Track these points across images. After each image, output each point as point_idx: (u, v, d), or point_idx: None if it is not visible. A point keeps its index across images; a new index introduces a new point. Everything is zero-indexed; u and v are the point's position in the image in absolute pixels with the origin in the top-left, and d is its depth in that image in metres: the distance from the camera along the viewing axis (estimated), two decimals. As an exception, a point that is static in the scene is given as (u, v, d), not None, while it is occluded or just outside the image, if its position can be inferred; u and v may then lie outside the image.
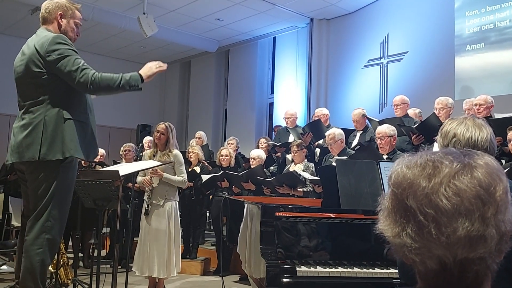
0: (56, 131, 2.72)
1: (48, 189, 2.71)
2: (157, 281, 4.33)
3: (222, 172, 5.67)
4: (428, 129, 4.56)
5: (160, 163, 4.05)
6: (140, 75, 2.93)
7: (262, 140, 6.85)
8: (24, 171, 2.83)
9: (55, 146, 2.71)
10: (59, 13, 2.90)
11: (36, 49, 2.75)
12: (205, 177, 5.76)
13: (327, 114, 6.46)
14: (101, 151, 6.96)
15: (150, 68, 3.01)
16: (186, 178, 4.33)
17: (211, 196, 6.29)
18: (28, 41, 2.87)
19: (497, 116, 4.49)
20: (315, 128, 5.98)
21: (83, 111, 2.86)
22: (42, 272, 2.72)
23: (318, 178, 4.85)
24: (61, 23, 2.92)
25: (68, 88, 2.79)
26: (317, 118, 6.33)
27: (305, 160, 5.46)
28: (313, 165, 5.44)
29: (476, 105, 4.86)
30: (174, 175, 4.31)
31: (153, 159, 4.29)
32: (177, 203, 4.39)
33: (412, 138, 4.76)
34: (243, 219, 2.92)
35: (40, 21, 2.95)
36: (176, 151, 4.37)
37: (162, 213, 4.23)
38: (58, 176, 2.74)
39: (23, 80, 2.81)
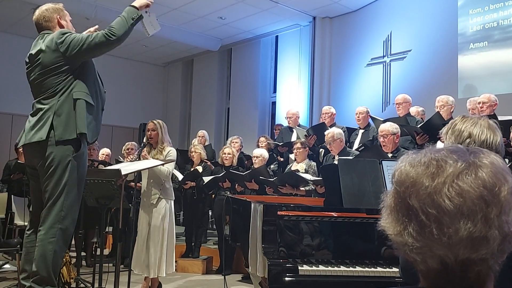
0: (69, 112, 2.87)
1: (61, 179, 2.82)
2: (149, 284, 4.33)
3: (223, 173, 5.66)
4: (432, 128, 4.55)
5: (162, 162, 4.05)
6: (133, 6, 3.13)
7: (262, 139, 6.83)
8: (36, 164, 2.91)
9: (69, 126, 2.85)
10: (57, 16, 3.09)
11: (47, 47, 2.91)
12: (206, 179, 5.76)
13: (334, 113, 6.44)
14: (107, 150, 6.98)
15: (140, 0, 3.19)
16: (170, 172, 4.32)
17: (213, 195, 6.29)
18: (35, 46, 3.01)
19: (500, 118, 4.47)
20: (320, 131, 5.94)
21: (92, 94, 3.00)
22: (55, 261, 2.80)
23: (320, 178, 4.84)
24: (62, 23, 3.11)
25: (79, 75, 2.95)
26: (323, 119, 6.31)
27: (307, 159, 5.45)
28: (315, 164, 5.43)
29: (479, 103, 4.84)
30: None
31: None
32: (172, 202, 4.39)
33: (417, 138, 4.75)
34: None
35: (39, 30, 3.10)
36: (170, 148, 4.38)
37: (155, 212, 4.23)
38: (70, 166, 2.85)
39: (39, 81, 2.94)
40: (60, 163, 2.83)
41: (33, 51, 2.99)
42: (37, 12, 3.10)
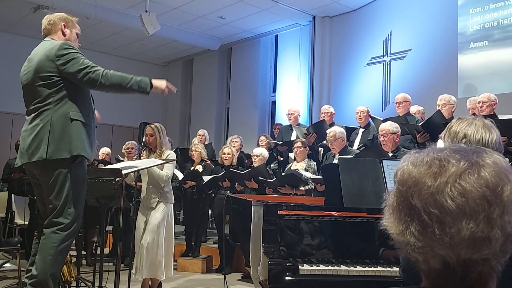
0: (63, 130, 2.84)
1: (62, 188, 2.83)
2: (149, 283, 4.31)
3: (223, 172, 5.66)
4: (432, 127, 4.55)
5: (162, 161, 4.04)
6: (151, 82, 3.05)
7: (262, 138, 6.84)
8: (37, 175, 2.93)
9: (62, 145, 2.82)
10: (62, 24, 3.08)
11: (45, 54, 2.88)
12: (206, 178, 5.76)
13: (333, 113, 6.44)
14: (107, 150, 6.97)
15: (162, 82, 3.14)
16: (169, 176, 4.27)
17: (213, 195, 6.29)
18: (34, 51, 3.00)
19: (501, 117, 4.47)
20: (319, 128, 5.95)
21: (87, 114, 2.98)
22: (55, 266, 2.80)
23: (320, 177, 4.84)
24: (65, 32, 3.09)
25: (75, 92, 2.92)
26: (322, 119, 6.31)
27: (307, 159, 5.45)
28: (315, 163, 5.43)
29: (479, 102, 4.84)
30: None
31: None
32: (172, 206, 4.34)
33: (417, 136, 4.75)
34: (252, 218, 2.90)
35: (43, 34, 3.09)
36: (169, 151, 4.34)
37: (153, 215, 4.19)
38: (70, 175, 2.85)
39: (31, 86, 2.91)
40: (60, 174, 2.83)
41: (32, 56, 2.98)
42: (46, 15, 3.11)
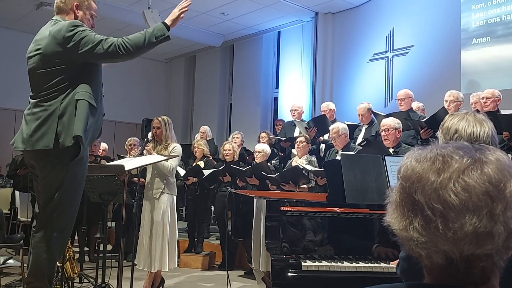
0: (71, 117, 2.65)
1: (58, 186, 2.66)
2: (152, 276, 4.34)
3: (223, 166, 5.67)
4: (437, 123, 4.52)
5: (165, 157, 4.05)
6: (165, 23, 2.88)
7: (263, 134, 6.85)
8: (35, 166, 2.75)
9: (70, 132, 2.63)
10: (75, 4, 2.84)
11: (53, 36, 2.68)
12: (206, 172, 5.78)
13: (333, 109, 6.45)
14: (104, 145, 6.98)
15: (173, 13, 2.94)
16: (174, 167, 4.31)
17: (215, 191, 6.31)
18: (42, 30, 2.81)
19: (504, 112, 4.45)
20: (320, 123, 5.97)
21: (96, 97, 2.80)
22: (49, 269, 2.71)
23: (321, 169, 4.86)
24: (78, 14, 2.85)
25: (84, 77, 2.73)
26: (322, 113, 6.32)
27: (308, 154, 5.48)
28: (316, 159, 5.45)
29: (483, 98, 4.83)
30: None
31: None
32: (175, 197, 4.39)
33: (421, 132, 4.74)
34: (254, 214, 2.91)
35: (54, 11, 2.88)
36: (175, 144, 4.37)
37: (157, 206, 4.23)
38: (68, 173, 2.68)
39: (37, 70, 2.73)
40: (59, 170, 2.66)
41: (38, 37, 2.77)
42: None
